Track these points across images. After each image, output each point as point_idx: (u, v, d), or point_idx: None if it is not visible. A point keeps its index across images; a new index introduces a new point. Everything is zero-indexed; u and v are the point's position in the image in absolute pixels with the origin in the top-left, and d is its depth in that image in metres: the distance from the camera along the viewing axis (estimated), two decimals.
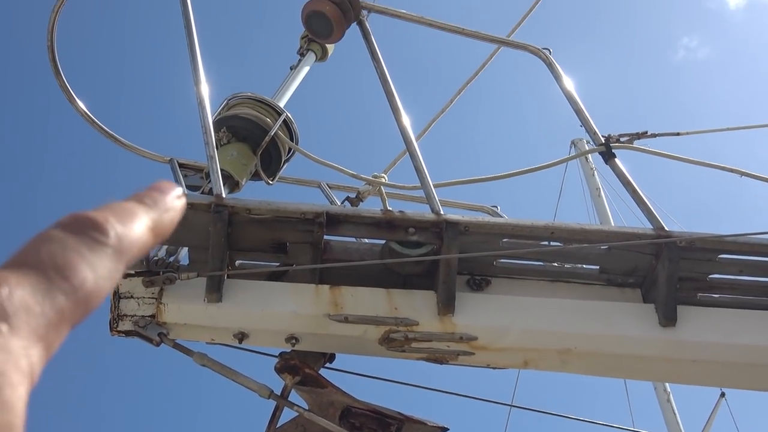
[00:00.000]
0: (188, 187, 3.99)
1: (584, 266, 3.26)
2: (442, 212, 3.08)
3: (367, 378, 3.63)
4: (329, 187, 4.55)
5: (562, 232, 3.10)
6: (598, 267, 3.22)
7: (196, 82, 3.39)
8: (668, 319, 3.04)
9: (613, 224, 11.16)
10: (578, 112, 3.63)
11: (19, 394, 0.50)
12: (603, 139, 3.50)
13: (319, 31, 3.80)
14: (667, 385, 12.30)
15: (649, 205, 3.23)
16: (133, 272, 3.01)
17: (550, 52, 3.82)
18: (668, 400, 12.57)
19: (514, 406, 6.04)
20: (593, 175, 16.02)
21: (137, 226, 0.65)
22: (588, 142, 16.24)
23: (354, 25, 3.81)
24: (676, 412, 12.38)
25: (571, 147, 16.63)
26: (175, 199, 0.72)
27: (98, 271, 0.59)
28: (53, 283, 0.56)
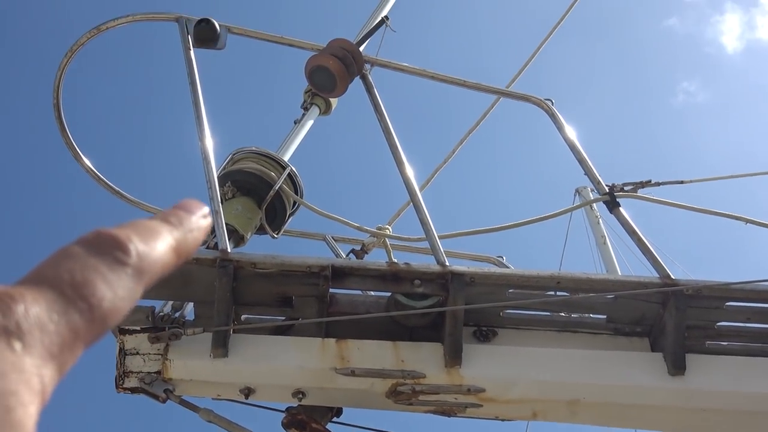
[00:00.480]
0: None
1: (591, 316, 3.25)
2: (447, 263, 3.08)
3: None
4: (334, 240, 4.56)
5: (568, 281, 3.09)
6: (605, 316, 3.21)
7: (201, 137, 3.41)
8: (677, 368, 3.02)
9: (619, 272, 11.12)
10: (582, 161, 3.64)
11: (30, 413, 0.49)
12: (607, 189, 3.51)
13: (323, 86, 3.83)
14: None
15: (655, 254, 3.23)
16: (138, 329, 3.00)
17: (552, 102, 3.84)
18: None
19: None
20: (598, 223, 16.01)
21: (160, 246, 0.64)
22: (592, 191, 16.31)
23: (357, 79, 3.83)
24: None
25: (575, 195, 16.63)
26: (201, 219, 0.71)
27: (117, 291, 0.58)
28: (70, 301, 0.55)
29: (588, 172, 3.60)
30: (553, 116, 3.80)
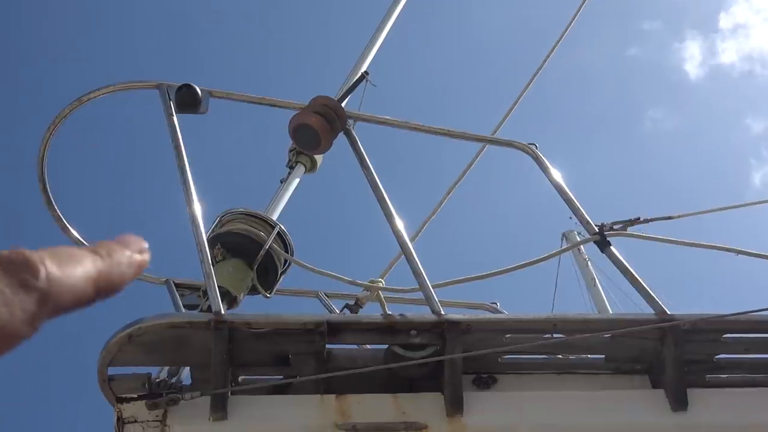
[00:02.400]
0: (186, 306, 3.98)
1: (590, 356, 3.24)
2: (443, 312, 3.07)
3: None
4: (327, 296, 4.55)
5: (564, 323, 3.09)
6: (603, 356, 3.20)
7: (188, 201, 3.41)
8: (679, 403, 3.01)
9: (611, 312, 11.12)
10: (569, 203, 3.66)
11: None
12: (597, 229, 3.52)
13: (307, 144, 3.85)
14: None
15: (649, 290, 3.23)
16: (135, 396, 2.98)
17: (536, 146, 3.87)
18: None
19: None
20: (587, 265, 16.09)
21: (77, 274, 0.62)
22: (579, 234, 16.38)
23: (341, 135, 3.86)
24: None
25: (562, 239, 16.74)
26: (135, 255, 0.68)
27: (15, 313, 0.56)
28: None
29: (576, 214, 3.61)
30: (537, 160, 3.82)
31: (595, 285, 15.76)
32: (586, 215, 3.59)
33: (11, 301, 0.56)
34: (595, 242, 3.51)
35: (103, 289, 0.65)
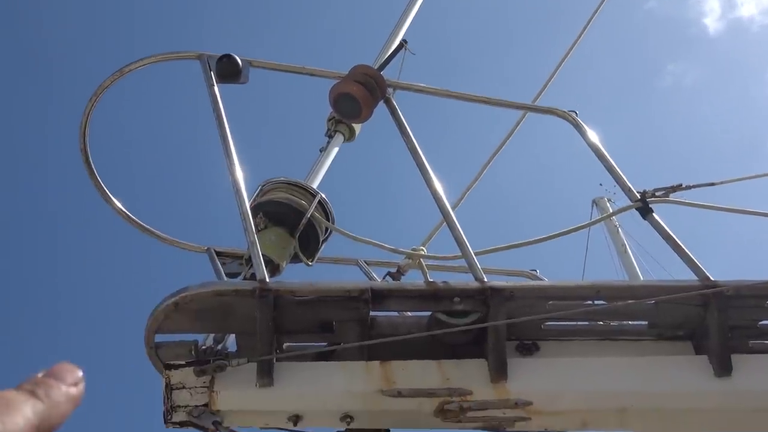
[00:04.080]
0: (227, 274, 4.03)
1: (632, 323, 3.24)
2: (485, 279, 3.08)
3: None
4: (367, 264, 4.58)
5: (607, 290, 3.09)
6: (646, 322, 3.20)
7: (231, 170, 3.44)
8: (723, 369, 3.00)
9: (641, 279, 11.08)
10: (610, 170, 3.65)
11: None
12: (639, 195, 3.51)
13: (348, 113, 3.86)
14: None
15: (692, 257, 3.22)
16: (183, 363, 3.02)
17: (576, 113, 3.86)
18: None
19: None
20: (618, 232, 16.06)
21: (16, 422, 0.59)
22: (610, 200, 16.33)
23: (381, 103, 3.86)
24: None
25: (593, 206, 16.70)
26: (72, 388, 0.66)
27: None
28: None
29: (618, 180, 3.60)
30: (578, 127, 3.82)
31: (626, 252, 15.73)
32: (627, 182, 3.58)
33: None
34: (637, 209, 3.51)
35: (45, 431, 0.63)
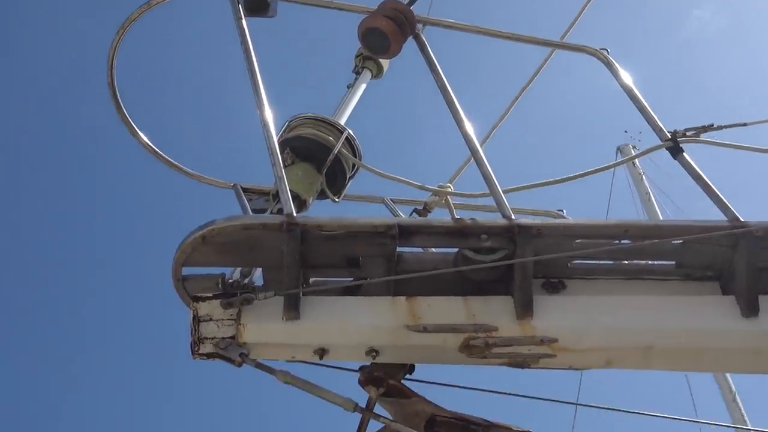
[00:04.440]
0: (253, 210, 4.03)
1: (659, 263, 3.23)
2: (513, 217, 3.07)
3: (439, 387, 3.61)
4: (393, 202, 4.57)
5: (635, 229, 3.08)
6: (674, 262, 3.19)
7: (259, 104, 3.42)
8: (750, 309, 2.99)
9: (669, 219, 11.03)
10: (641, 109, 3.61)
11: None
12: (669, 135, 3.47)
13: (377, 48, 3.82)
14: (728, 375, 12.26)
15: (722, 197, 3.19)
16: (210, 295, 3.04)
17: (608, 52, 3.81)
18: (731, 391, 12.53)
19: (579, 404, 6.00)
20: (642, 180, 15.97)
21: None
22: (634, 147, 16.20)
23: (410, 39, 3.82)
24: (740, 402, 12.36)
25: (617, 153, 16.58)
26: None
27: None
28: None
29: (649, 120, 3.57)
30: (609, 65, 3.77)
31: (649, 200, 15.67)
32: (658, 121, 3.55)
33: None
34: (667, 148, 3.47)
35: None
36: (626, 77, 3.73)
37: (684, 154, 3.42)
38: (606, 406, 4.94)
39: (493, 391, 3.90)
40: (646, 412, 5.18)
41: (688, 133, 3.57)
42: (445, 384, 3.56)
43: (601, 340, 3.03)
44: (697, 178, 3.30)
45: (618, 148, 16.81)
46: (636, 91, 3.66)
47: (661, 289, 3.18)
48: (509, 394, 4.07)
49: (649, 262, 3.26)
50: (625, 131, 16.78)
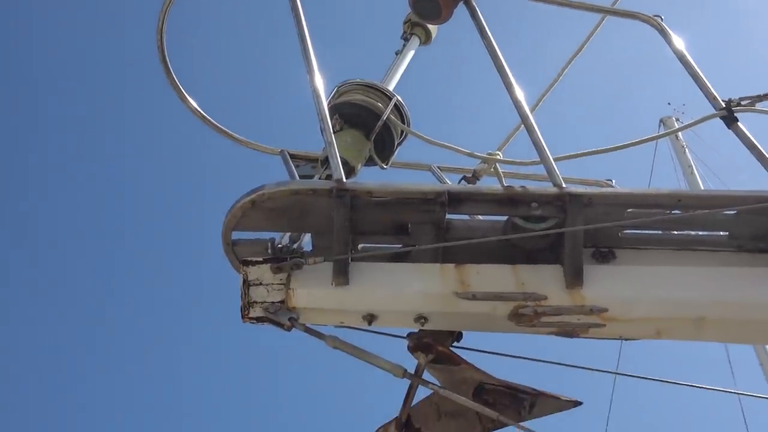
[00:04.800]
0: (300, 176, 4.04)
1: (712, 233, 3.20)
2: (564, 185, 3.05)
3: (485, 354, 3.62)
4: (440, 170, 4.55)
5: (688, 199, 3.04)
6: (727, 233, 3.15)
7: (309, 70, 3.42)
8: None
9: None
10: (695, 77, 3.56)
11: None
12: (724, 104, 3.42)
13: (427, 13, 3.81)
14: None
15: None
16: (261, 259, 3.05)
17: (662, 18, 3.75)
18: None
19: (619, 373, 6.00)
20: (685, 153, 15.79)
21: None
22: (677, 120, 16.01)
23: (461, 4, 3.79)
24: None
25: (660, 125, 16.38)
26: None
27: None
28: None
29: (702, 88, 3.51)
30: (663, 32, 3.72)
31: (692, 173, 15.50)
32: (712, 89, 3.50)
33: None
34: (721, 118, 3.43)
35: None
36: (679, 44, 3.68)
37: (738, 123, 3.37)
38: (645, 376, 4.93)
39: (534, 360, 3.91)
40: (684, 383, 5.17)
41: (743, 103, 3.51)
42: (491, 352, 3.56)
43: (652, 310, 3.01)
44: (752, 147, 3.25)
45: (661, 120, 16.62)
46: (689, 59, 3.61)
47: (712, 261, 3.15)
48: (550, 362, 4.07)
49: (701, 232, 3.23)
50: (669, 103, 16.60)
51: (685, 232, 3.19)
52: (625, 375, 5.66)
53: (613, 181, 4.49)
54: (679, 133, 15.48)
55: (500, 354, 3.56)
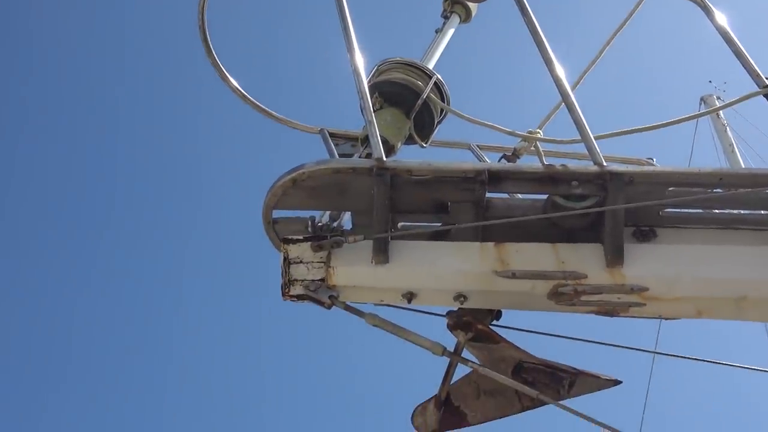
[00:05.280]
0: (339, 155, 4.04)
1: (755, 212, 3.16)
2: (604, 164, 3.03)
3: (524, 333, 3.62)
4: (480, 149, 4.54)
5: (730, 177, 3.02)
6: None
7: (350, 48, 3.42)
8: None
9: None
10: (738, 54, 3.51)
11: None
12: (767, 81, 3.38)
13: None
14: None
15: None
16: (301, 238, 3.07)
17: None
18: None
19: (658, 353, 5.98)
20: (725, 131, 15.60)
21: None
22: (718, 98, 15.80)
23: None
24: None
25: (700, 103, 16.19)
26: None
27: None
28: None
29: (745, 65, 3.47)
30: (705, 8, 3.68)
31: (733, 152, 15.30)
32: (755, 67, 3.45)
33: None
34: (765, 95, 3.39)
35: None
36: (722, 20, 3.64)
37: None
38: (684, 355, 4.92)
39: (574, 338, 3.90)
40: (723, 362, 5.14)
41: None
42: (530, 330, 3.56)
43: (693, 289, 2.99)
44: None
45: (702, 98, 16.42)
46: (732, 35, 3.57)
47: (754, 239, 3.12)
48: (590, 341, 4.06)
49: (743, 211, 3.20)
50: (710, 81, 16.39)
51: (727, 210, 3.16)
52: (665, 354, 5.65)
53: (654, 159, 4.46)
54: (720, 112, 15.30)
55: (539, 333, 3.57)
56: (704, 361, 4.99)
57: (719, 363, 5.12)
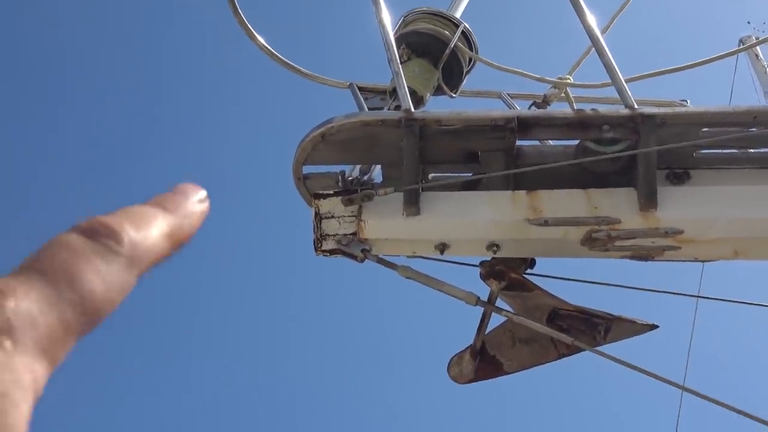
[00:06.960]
0: (369, 108, 4.03)
1: None
2: (636, 106, 2.99)
3: (558, 281, 3.60)
4: (510, 97, 4.50)
5: (765, 115, 2.96)
6: None
7: (375, 2, 3.40)
8: None
9: None
10: None
11: (23, 412, 0.49)
12: None
13: None
14: None
15: None
16: (332, 192, 3.07)
17: None
18: None
19: (701, 297, 5.93)
20: (765, 72, 15.35)
21: (153, 234, 0.62)
22: (757, 38, 15.55)
23: None
24: None
25: (739, 45, 15.92)
26: (198, 204, 0.69)
27: (108, 282, 0.57)
28: (61, 293, 0.54)
29: None
30: None
31: None
32: None
33: (103, 271, 0.57)
34: None
35: (177, 243, 0.66)
36: None
37: None
38: (728, 299, 4.88)
39: (613, 285, 3.88)
40: (765, 304, 5.10)
41: None
42: (564, 278, 3.55)
43: (729, 230, 2.96)
44: None
45: (740, 40, 16.14)
46: None
47: None
48: (626, 287, 4.04)
49: None
50: (748, 22, 16.11)
51: (763, 150, 3.11)
52: (707, 298, 5.60)
53: (688, 101, 4.39)
54: (760, 52, 15.04)
55: (574, 279, 3.55)
56: (748, 303, 4.95)
57: (763, 305, 5.08)
